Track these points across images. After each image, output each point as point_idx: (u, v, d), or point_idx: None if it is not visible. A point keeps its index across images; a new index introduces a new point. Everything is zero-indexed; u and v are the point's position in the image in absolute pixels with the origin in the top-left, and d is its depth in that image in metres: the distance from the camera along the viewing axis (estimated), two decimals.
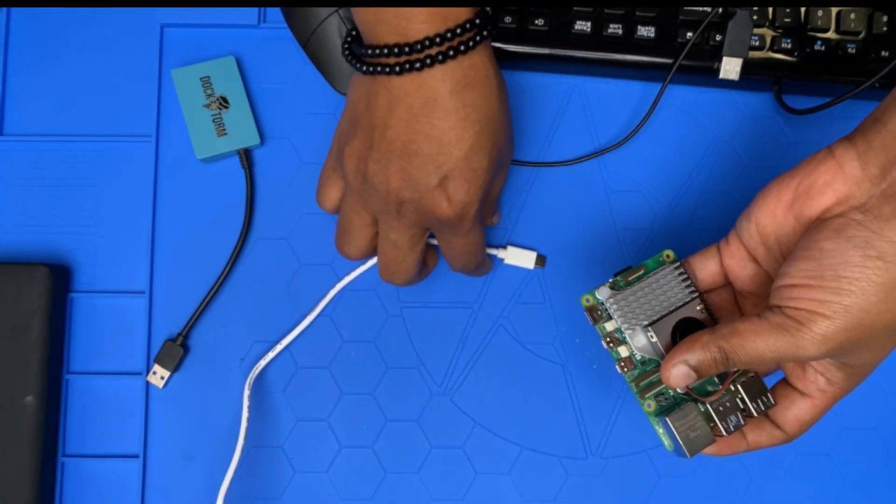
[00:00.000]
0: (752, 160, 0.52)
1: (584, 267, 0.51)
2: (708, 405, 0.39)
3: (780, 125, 0.52)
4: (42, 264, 0.48)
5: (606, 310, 0.41)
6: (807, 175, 0.36)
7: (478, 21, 0.39)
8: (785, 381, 0.40)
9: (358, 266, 0.50)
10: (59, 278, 0.49)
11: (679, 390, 0.40)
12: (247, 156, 0.51)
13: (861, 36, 0.49)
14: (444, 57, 0.38)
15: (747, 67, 0.50)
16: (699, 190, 0.52)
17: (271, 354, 0.49)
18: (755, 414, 0.39)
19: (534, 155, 0.52)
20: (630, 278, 0.41)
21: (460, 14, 0.38)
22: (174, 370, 0.49)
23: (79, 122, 0.52)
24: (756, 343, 0.35)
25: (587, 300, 0.41)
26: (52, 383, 0.48)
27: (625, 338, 0.40)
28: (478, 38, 0.38)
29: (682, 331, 0.39)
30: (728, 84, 0.51)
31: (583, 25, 0.50)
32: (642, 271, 0.41)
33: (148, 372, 0.50)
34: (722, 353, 0.36)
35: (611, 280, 0.41)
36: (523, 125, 0.52)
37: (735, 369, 0.38)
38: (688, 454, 0.39)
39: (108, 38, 0.53)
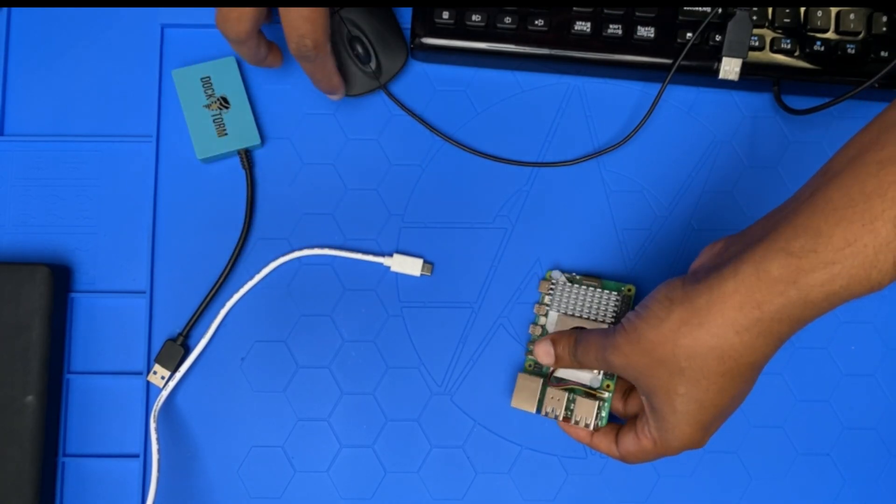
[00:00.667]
0: (751, 160, 0.52)
1: (584, 267, 0.51)
2: (548, 387, 0.48)
3: (779, 125, 0.52)
4: (42, 264, 0.48)
5: (553, 285, 0.50)
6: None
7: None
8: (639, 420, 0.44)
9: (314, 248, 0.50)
10: (60, 278, 0.49)
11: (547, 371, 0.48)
12: (247, 156, 0.51)
13: (861, 36, 0.49)
14: None
15: (747, 67, 0.50)
16: (699, 190, 0.52)
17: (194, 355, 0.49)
18: (563, 416, 0.47)
19: (534, 155, 0.52)
20: (585, 282, 0.49)
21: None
22: (174, 370, 0.49)
23: (79, 122, 0.52)
24: (591, 339, 0.43)
25: (549, 275, 0.50)
26: (52, 383, 0.48)
27: (548, 312, 0.50)
28: None
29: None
30: (728, 84, 0.51)
31: (583, 26, 0.50)
32: (596, 284, 0.49)
33: (148, 372, 0.50)
34: (573, 344, 0.44)
35: (573, 273, 0.50)
36: (523, 125, 0.52)
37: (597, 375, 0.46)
38: (511, 402, 0.48)
39: (108, 38, 0.53)
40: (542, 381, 0.48)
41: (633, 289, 0.49)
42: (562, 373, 0.48)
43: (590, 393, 0.47)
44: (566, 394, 0.47)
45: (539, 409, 0.48)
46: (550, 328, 0.49)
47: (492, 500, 0.50)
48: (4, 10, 0.53)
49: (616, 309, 0.48)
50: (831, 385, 0.51)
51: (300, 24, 0.43)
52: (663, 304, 0.38)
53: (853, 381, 0.51)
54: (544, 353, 0.46)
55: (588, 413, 0.46)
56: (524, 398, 0.48)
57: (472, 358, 0.50)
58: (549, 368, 0.49)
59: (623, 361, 0.40)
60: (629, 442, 0.43)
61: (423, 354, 0.50)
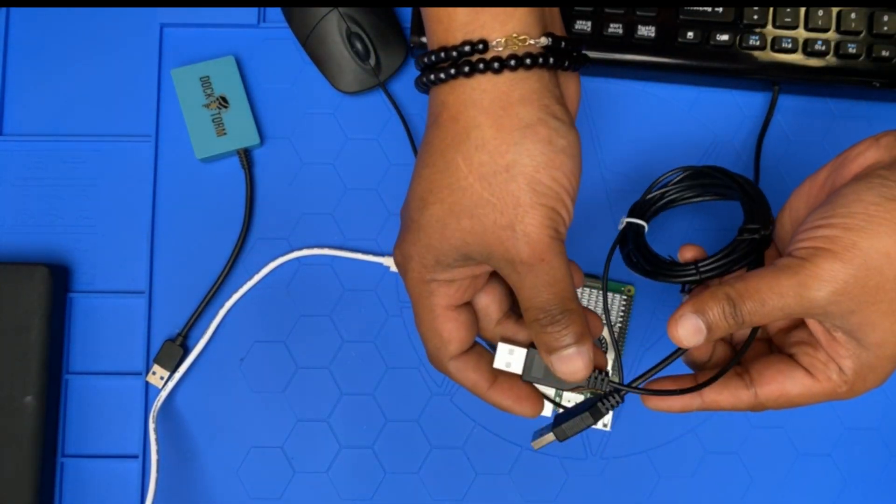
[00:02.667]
0: (752, 160, 0.52)
1: (584, 267, 0.51)
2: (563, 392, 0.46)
3: (780, 125, 0.52)
4: (42, 264, 0.48)
5: None
6: (842, 154, 0.35)
7: (459, 51, 0.32)
8: (786, 356, 0.37)
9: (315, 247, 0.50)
10: (59, 278, 0.49)
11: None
12: (247, 156, 0.51)
13: (861, 36, 0.49)
14: (420, 85, 0.34)
15: (747, 67, 0.50)
16: None
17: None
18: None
19: None
20: (587, 282, 0.50)
21: (442, 34, 0.32)
22: (174, 370, 0.49)
23: (79, 122, 0.52)
24: (760, 285, 0.33)
25: None
26: (52, 383, 0.48)
27: None
28: (452, 70, 0.32)
29: None
30: (728, 84, 0.51)
31: (583, 25, 0.50)
32: (598, 285, 0.49)
33: (148, 372, 0.50)
34: (729, 302, 0.33)
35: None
36: None
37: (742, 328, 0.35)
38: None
39: (108, 38, 0.53)
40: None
41: (633, 289, 0.49)
42: None
43: (595, 392, 0.47)
44: (582, 396, 0.48)
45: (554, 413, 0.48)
46: None
47: (492, 500, 0.50)
48: (4, 10, 0.53)
49: (622, 309, 0.48)
50: None
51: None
52: (884, 205, 0.31)
53: None
54: (693, 331, 0.34)
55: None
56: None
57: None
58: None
59: (834, 292, 0.32)
60: (790, 384, 0.35)
61: (423, 354, 0.50)
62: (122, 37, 0.53)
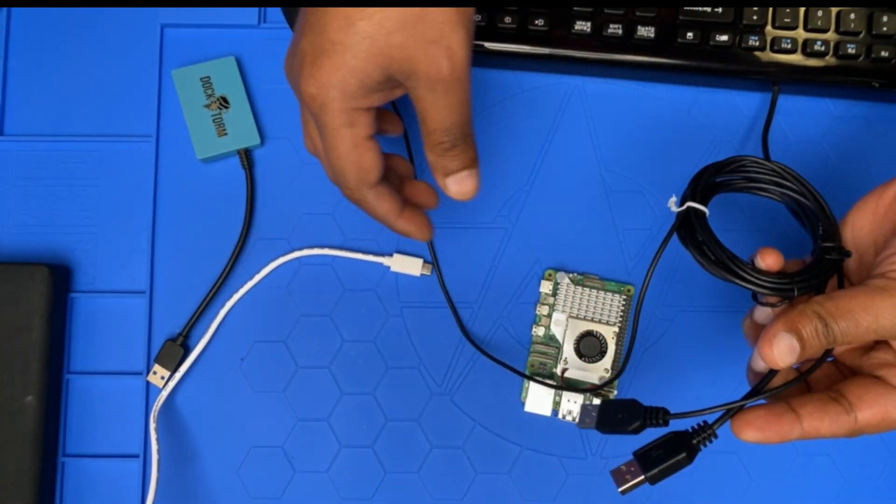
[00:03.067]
0: None
1: (584, 267, 0.51)
2: (563, 391, 0.47)
3: (780, 125, 0.52)
4: (42, 264, 0.48)
5: (557, 286, 0.49)
6: None
7: None
8: (875, 378, 0.36)
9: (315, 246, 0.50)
10: (60, 278, 0.49)
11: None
12: (247, 156, 0.51)
13: (860, 36, 0.49)
14: None
15: (747, 67, 0.50)
16: None
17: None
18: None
19: (534, 155, 0.52)
20: (588, 282, 0.49)
21: None
22: (174, 370, 0.49)
23: (79, 122, 0.52)
24: (852, 305, 0.33)
25: (549, 274, 0.50)
26: (52, 383, 0.48)
27: (552, 312, 0.49)
28: None
29: (581, 339, 0.49)
30: (728, 84, 0.51)
31: (583, 25, 0.50)
32: (600, 285, 0.49)
33: (148, 372, 0.50)
34: (821, 320, 0.33)
35: (575, 274, 0.50)
36: (523, 125, 0.52)
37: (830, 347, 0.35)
38: (525, 407, 0.47)
39: (108, 38, 0.53)
40: (554, 384, 0.49)
41: (633, 289, 0.49)
42: (571, 373, 0.48)
43: (600, 393, 0.48)
44: (582, 396, 0.48)
45: (556, 413, 0.49)
46: (555, 329, 0.49)
47: (492, 500, 0.50)
48: (4, 10, 0.53)
49: (621, 309, 0.48)
50: None
51: (325, 163, 0.38)
52: None
53: None
54: (787, 351, 0.34)
55: None
56: (539, 403, 0.49)
57: (472, 358, 0.50)
58: (554, 369, 0.49)
59: None
60: (892, 408, 0.35)
61: (423, 354, 0.50)
62: (122, 37, 0.53)
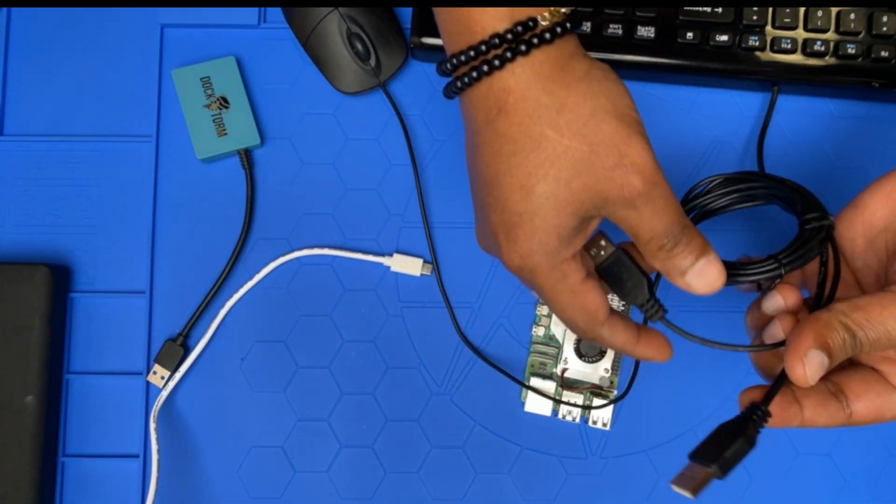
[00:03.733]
0: (752, 160, 0.52)
1: None
2: (564, 391, 0.47)
3: (779, 125, 0.52)
4: (42, 264, 0.48)
5: None
6: None
7: (513, 33, 0.32)
8: (875, 372, 0.36)
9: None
10: (60, 278, 0.49)
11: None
12: (247, 156, 0.51)
13: (860, 36, 0.49)
14: (470, 80, 0.33)
15: (747, 67, 0.50)
16: None
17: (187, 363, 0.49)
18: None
19: None
20: None
21: (488, 24, 0.33)
22: (174, 370, 0.49)
23: (79, 122, 0.52)
24: (882, 315, 0.32)
25: None
26: (52, 383, 0.48)
27: (552, 313, 0.49)
28: (508, 53, 0.32)
29: (581, 340, 0.48)
30: (728, 84, 0.51)
31: (583, 25, 0.50)
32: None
33: (148, 372, 0.50)
34: (848, 331, 0.32)
35: None
36: None
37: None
38: (525, 407, 0.48)
39: (108, 38, 0.53)
40: (554, 385, 0.49)
41: None
42: (572, 373, 0.48)
43: (600, 393, 0.48)
44: (582, 396, 0.49)
45: (556, 413, 0.49)
46: (555, 329, 0.49)
47: (492, 500, 0.50)
48: (4, 10, 0.53)
49: (622, 310, 0.48)
50: None
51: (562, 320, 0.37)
52: None
53: None
54: (818, 368, 0.33)
55: (605, 413, 0.48)
56: (539, 403, 0.49)
57: (472, 358, 0.50)
58: (554, 369, 0.49)
59: None
60: (886, 407, 0.35)
61: (423, 354, 0.50)
62: (122, 37, 0.53)
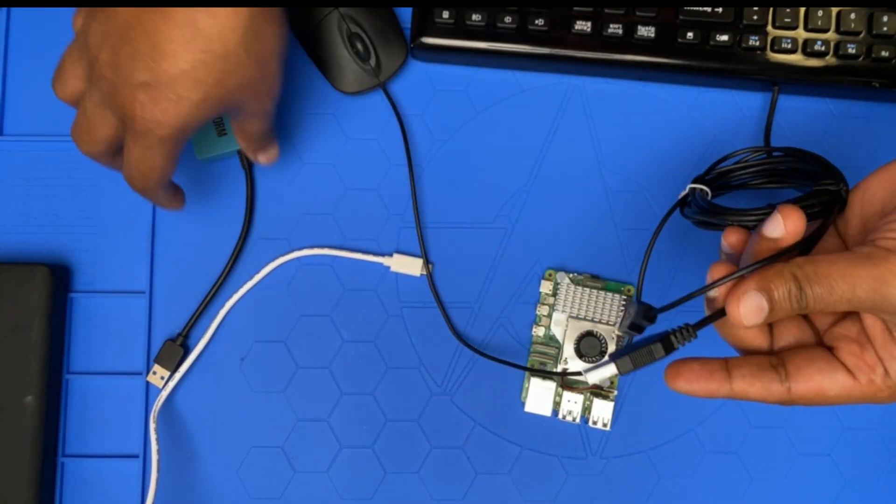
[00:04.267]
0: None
1: (584, 267, 0.51)
2: (564, 391, 0.48)
3: (779, 125, 0.52)
4: (42, 264, 0.48)
5: (557, 286, 0.49)
6: None
7: None
8: (825, 349, 0.35)
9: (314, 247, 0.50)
10: (59, 278, 0.49)
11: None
12: (246, 156, 0.51)
13: (861, 36, 0.49)
14: None
15: (747, 67, 0.50)
16: None
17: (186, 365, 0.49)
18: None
19: (533, 155, 0.52)
20: (588, 282, 0.50)
21: None
22: (174, 370, 0.49)
23: None
24: (830, 270, 0.31)
25: (549, 274, 0.50)
26: (52, 383, 0.48)
27: (552, 313, 0.49)
28: None
29: (581, 340, 0.49)
30: (728, 84, 0.51)
31: (583, 25, 0.50)
32: (601, 285, 0.49)
33: (148, 372, 0.50)
34: (796, 283, 0.31)
35: (575, 274, 0.50)
36: (523, 125, 0.52)
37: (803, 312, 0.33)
38: (525, 408, 0.48)
39: None
40: (554, 385, 0.49)
41: (633, 289, 0.49)
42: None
43: (600, 393, 0.48)
44: (582, 396, 0.49)
45: (556, 413, 0.49)
46: (556, 329, 0.49)
47: (492, 500, 0.50)
48: (4, 10, 0.53)
49: (622, 310, 0.48)
50: None
51: (131, 173, 0.41)
52: None
53: None
54: (755, 310, 0.32)
55: (605, 413, 0.48)
56: (539, 403, 0.49)
57: (472, 358, 0.50)
58: (553, 368, 0.49)
59: None
60: (828, 384, 0.33)
61: (423, 354, 0.50)
62: None
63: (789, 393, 0.34)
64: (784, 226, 0.34)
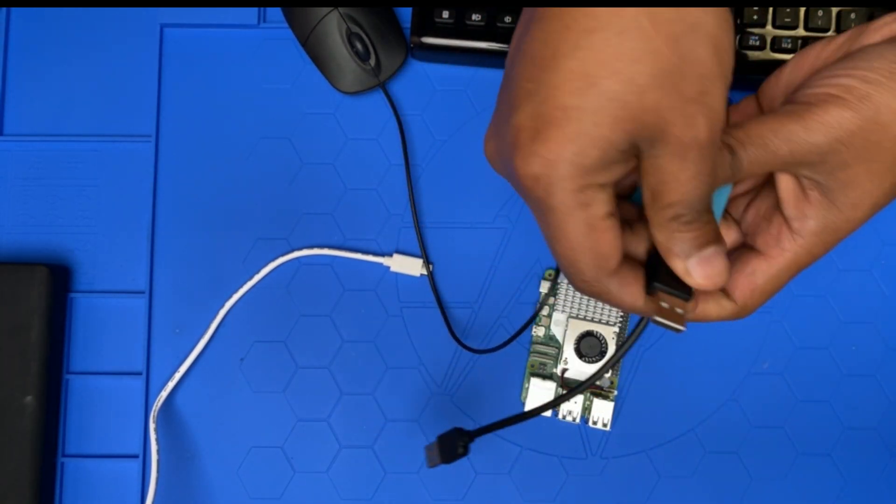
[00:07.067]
0: None
1: None
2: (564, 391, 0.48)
3: None
4: (42, 264, 0.48)
5: (557, 286, 0.50)
6: (863, 25, 0.33)
7: None
8: (744, 247, 0.35)
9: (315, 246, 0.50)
10: (59, 278, 0.49)
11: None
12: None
13: None
14: None
15: (747, 67, 0.50)
16: None
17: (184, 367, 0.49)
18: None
19: None
20: None
21: None
22: (174, 370, 0.49)
23: (79, 122, 0.52)
24: (762, 130, 0.30)
25: (549, 274, 0.50)
26: (52, 383, 0.48)
27: (552, 312, 0.49)
28: None
29: (582, 339, 0.49)
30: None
31: None
32: None
33: (148, 372, 0.50)
34: (728, 149, 0.30)
35: None
36: None
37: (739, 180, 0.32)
38: (525, 408, 0.48)
39: (108, 38, 0.53)
40: (554, 385, 0.49)
41: None
42: (572, 373, 0.48)
43: (600, 393, 0.49)
44: (582, 396, 0.49)
45: (556, 413, 0.49)
46: (556, 329, 0.49)
47: (492, 500, 0.50)
48: (4, 10, 0.53)
49: (622, 312, 0.49)
50: (831, 385, 0.50)
51: (552, 249, 0.31)
52: None
53: (853, 381, 0.51)
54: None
55: (605, 413, 0.49)
56: (539, 403, 0.49)
57: (472, 358, 0.50)
58: (554, 369, 0.49)
59: (837, 139, 0.30)
60: (757, 276, 0.33)
61: (423, 354, 0.50)
62: (122, 37, 0.53)
63: (735, 303, 0.34)
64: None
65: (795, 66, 0.35)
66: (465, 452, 0.38)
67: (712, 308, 0.34)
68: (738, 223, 0.36)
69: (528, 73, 0.27)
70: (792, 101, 0.32)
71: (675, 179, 0.28)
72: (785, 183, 0.33)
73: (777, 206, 0.34)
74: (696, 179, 0.28)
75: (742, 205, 0.36)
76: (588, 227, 0.29)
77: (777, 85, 0.36)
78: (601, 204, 0.28)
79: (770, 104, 0.36)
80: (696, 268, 0.30)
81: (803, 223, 0.33)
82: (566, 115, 0.26)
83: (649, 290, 0.31)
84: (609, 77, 0.26)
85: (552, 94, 0.27)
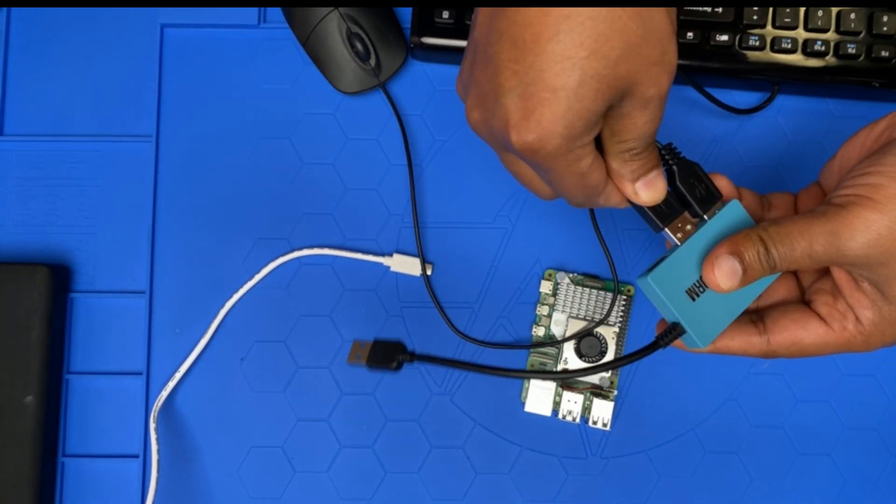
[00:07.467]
0: (752, 160, 0.52)
1: (584, 267, 0.51)
2: (564, 391, 0.48)
3: (779, 124, 0.52)
4: (42, 264, 0.48)
5: (557, 286, 0.50)
6: None
7: None
8: (803, 304, 0.37)
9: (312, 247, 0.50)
10: (59, 278, 0.49)
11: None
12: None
13: (860, 36, 0.49)
14: None
15: (747, 67, 0.50)
16: None
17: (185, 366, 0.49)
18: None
19: None
20: (588, 282, 0.50)
21: None
22: (174, 370, 0.49)
23: (79, 122, 0.52)
24: (791, 230, 0.33)
25: (549, 274, 0.50)
26: (52, 383, 0.48)
27: (552, 313, 0.50)
28: None
29: (581, 340, 0.49)
30: (728, 84, 0.51)
31: None
32: (600, 285, 0.50)
33: (148, 372, 0.50)
34: (762, 244, 0.33)
35: (575, 274, 0.50)
36: None
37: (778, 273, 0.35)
38: (525, 407, 0.49)
39: (108, 39, 0.53)
40: (554, 385, 0.49)
41: (633, 289, 0.49)
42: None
43: (600, 393, 0.49)
44: (582, 396, 0.49)
45: (556, 413, 0.49)
46: (555, 329, 0.49)
47: (492, 500, 0.50)
48: (4, 10, 0.53)
49: (621, 309, 0.48)
50: (831, 385, 0.51)
51: (564, 195, 0.36)
52: None
53: (853, 381, 0.51)
54: (729, 273, 0.34)
55: (605, 413, 0.49)
56: (539, 403, 0.49)
57: (473, 358, 0.50)
58: (553, 368, 0.49)
59: (867, 243, 0.32)
60: (804, 333, 0.35)
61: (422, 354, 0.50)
62: (122, 37, 0.53)
63: (769, 344, 0.36)
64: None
65: (845, 153, 0.37)
66: (398, 368, 0.43)
67: (738, 343, 0.37)
68: (797, 277, 0.38)
69: (511, 55, 0.30)
70: (827, 201, 0.34)
71: (634, 123, 0.32)
72: (837, 272, 0.35)
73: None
74: (651, 123, 0.32)
75: (814, 276, 0.38)
76: (579, 175, 0.33)
77: (831, 172, 0.38)
78: (587, 157, 0.33)
79: (828, 190, 0.38)
80: (643, 188, 0.35)
81: (863, 312, 0.34)
82: (555, 95, 0.30)
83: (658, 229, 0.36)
84: (588, 57, 0.29)
85: (540, 76, 0.30)
